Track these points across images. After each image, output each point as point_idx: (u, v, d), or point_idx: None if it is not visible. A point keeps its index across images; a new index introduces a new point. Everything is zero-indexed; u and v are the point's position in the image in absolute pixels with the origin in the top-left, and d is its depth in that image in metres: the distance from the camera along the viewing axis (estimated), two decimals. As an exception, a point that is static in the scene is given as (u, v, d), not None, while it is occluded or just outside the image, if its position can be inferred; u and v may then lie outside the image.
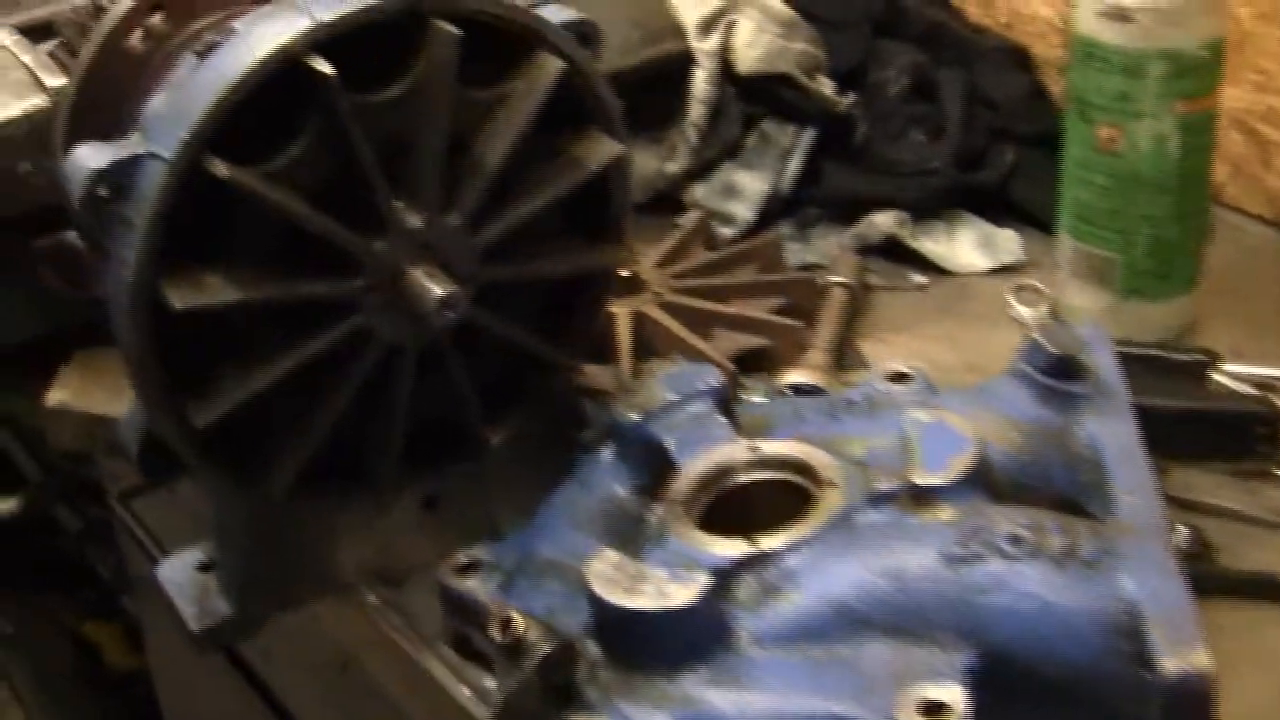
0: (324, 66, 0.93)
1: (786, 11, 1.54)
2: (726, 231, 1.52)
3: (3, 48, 1.37)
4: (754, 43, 1.52)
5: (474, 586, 1.04)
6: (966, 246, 1.53)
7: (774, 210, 1.55)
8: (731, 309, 1.38)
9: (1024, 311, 1.44)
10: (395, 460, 1.07)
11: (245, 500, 1.06)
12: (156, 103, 0.99)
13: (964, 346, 1.42)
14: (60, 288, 1.36)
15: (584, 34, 1.07)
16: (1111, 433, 1.04)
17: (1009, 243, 1.53)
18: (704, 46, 1.50)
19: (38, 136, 1.26)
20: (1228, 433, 1.22)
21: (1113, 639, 0.86)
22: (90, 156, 0.96)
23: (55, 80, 1.29)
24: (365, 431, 1.06)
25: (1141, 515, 0.96)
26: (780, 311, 1.40)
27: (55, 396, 1.32)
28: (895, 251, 1.53)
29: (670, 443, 1.06)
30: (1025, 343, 1.06)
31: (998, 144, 1.58)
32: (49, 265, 1.37)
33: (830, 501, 0.98)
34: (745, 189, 1.53)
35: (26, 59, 1.33)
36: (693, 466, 1.04)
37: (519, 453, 1.16)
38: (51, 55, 1.31)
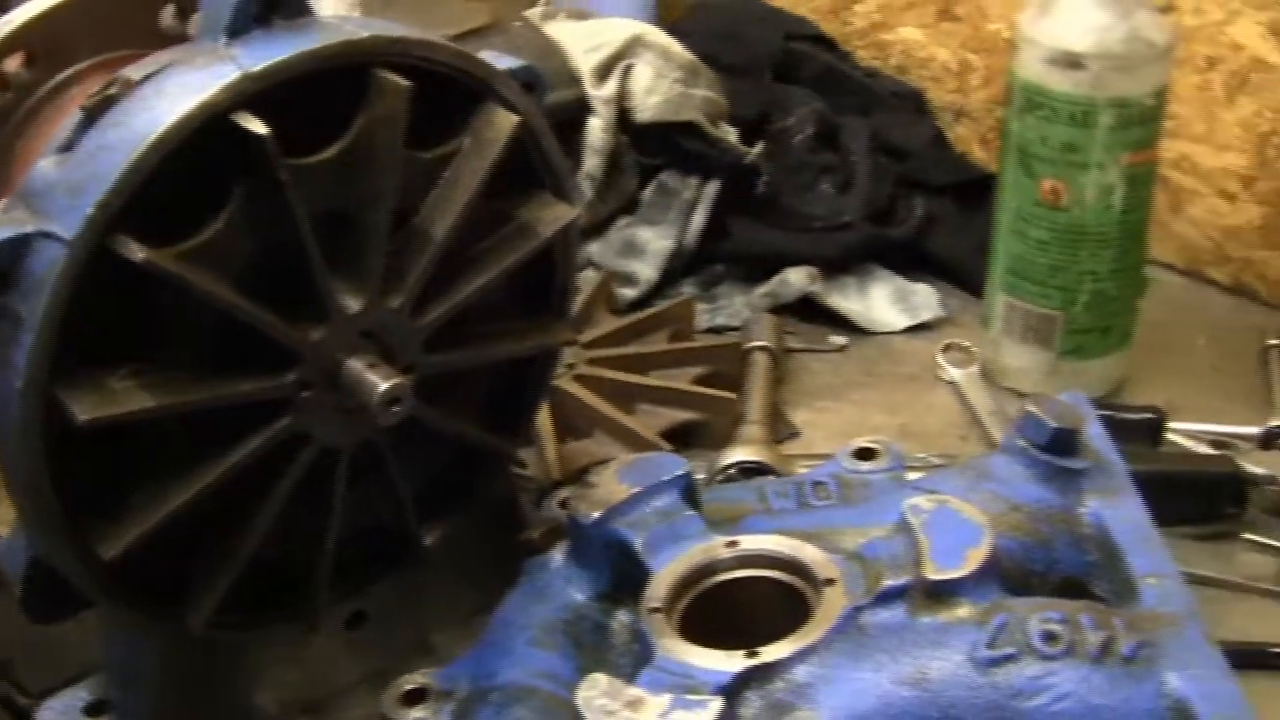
0: (256, 125, 0.79)
1: (687, 56, 1.43)
2: (628, 292, 1.41)
3: None
4: (654, 89, 1.41)
5: (424, 718, 0.91)
6: (882, 303, 1.45)
7: (676, 268, 1.45)
8: (654, 380, 1.27)
9: (955, 372, 1.37)
10: (328, 577, 0.92)
11: (154, 634, 0.90)
12: (45, 169, 0.82)
13: (897, 410, 1.35)
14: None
15: (529, 83, 0.95)
16: (1118, 510, 0.96)
17: (926, 298, 1.46)
18: (600, 93, 1.39)
19: None
20: (1194, 496, 1.16)
21: (1164, 742, 0.78)
22: (-37, 237, 0.79)
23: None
24: (291, 548, 0.91)
25: (1171, 601, 0.89)
26: (703, 380, 1.30)
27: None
28: (808, 310, 1.45)
29: (637, 542, 0.95)
30: (1021, 416, 0.98)
31: (906, 195, 1.51)
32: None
33: (832, 602, 0.88)
34: (647, 246, 1.42)
35: None
36: (668, 568, 0.93)
37: (449, 559, 1.03)
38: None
